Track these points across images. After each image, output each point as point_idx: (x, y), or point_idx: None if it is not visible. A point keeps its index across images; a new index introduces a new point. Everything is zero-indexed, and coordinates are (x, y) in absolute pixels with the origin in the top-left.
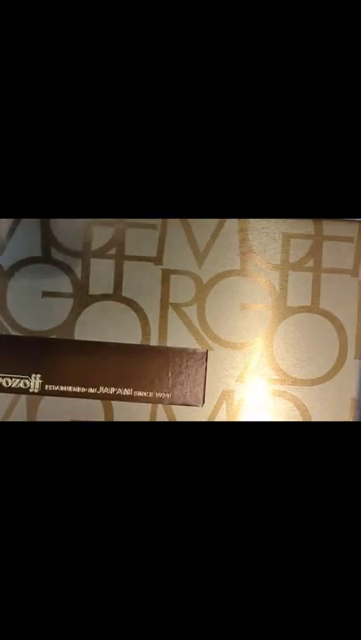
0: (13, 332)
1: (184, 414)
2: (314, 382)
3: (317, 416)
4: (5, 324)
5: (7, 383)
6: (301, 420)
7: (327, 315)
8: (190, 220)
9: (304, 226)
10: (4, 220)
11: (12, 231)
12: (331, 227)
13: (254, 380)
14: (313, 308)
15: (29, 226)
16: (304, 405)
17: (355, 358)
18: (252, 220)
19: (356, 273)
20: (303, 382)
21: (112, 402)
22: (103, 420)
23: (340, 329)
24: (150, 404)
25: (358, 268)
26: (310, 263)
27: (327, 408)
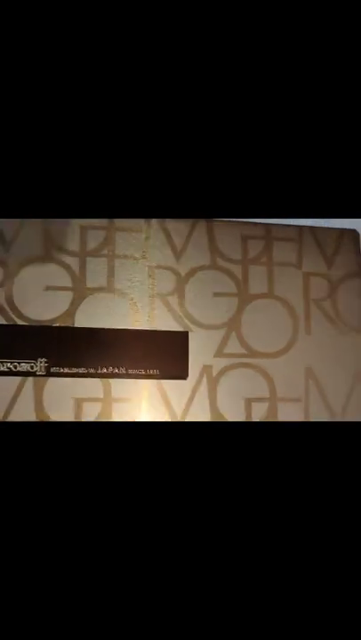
0: (20, 322)
1: (172, 386)
2: (275, 355)
3: (279, 382)
4: (12, 315)
5: (15, 367)
6: (266, 385)
7: (280, 299)
8: (168, 225)
9: (258, 229)
10: (9, 224)
11: (16, 233)
12: (278, 230)
13: (228, 355)
14: (269, 295)
15: (32, 228)
16: (268, 374)
17: (305, 334)
18: (216, 225)
19: (299, 266)
20: (267, 355)
21: (109, 379)
22: (102, 396)
23: (291, 310)
24: (143, 380)
25: (301, 262)
26: (264, 259)
27: (287, 375)
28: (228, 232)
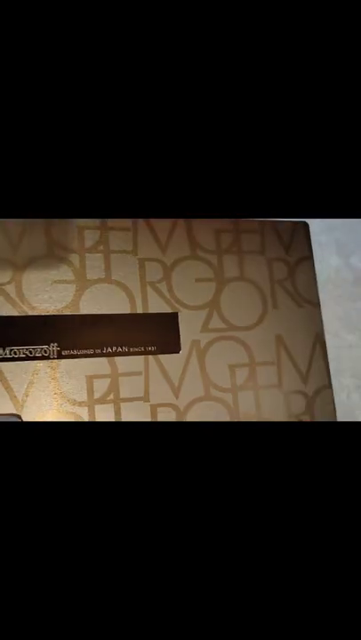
0: (31, 313)
1: (168, 359)
2: (250, 327)
3: (256, 349)
4: (24, 307)
5: (31, 353)
6: (245, 353)
7: (251, 281)
8: (153, 224)
9: (227, 223)
10: (14, 229)
11: (21, 236)
12: (244, 224)
13: (211, 330)
14: (241, 278)
15: (35, 231)
16: (246, 343)
17: (273, 308)
18: (193, 222)
19: (263, 253)
20: (244, 328)
21: (114, 358)
22: (109, 373)
23: (260, 290)
24: (143, 356)
25: (264, 249)
26: (235, 248)
27: (261, 343)
28: (204, 227)
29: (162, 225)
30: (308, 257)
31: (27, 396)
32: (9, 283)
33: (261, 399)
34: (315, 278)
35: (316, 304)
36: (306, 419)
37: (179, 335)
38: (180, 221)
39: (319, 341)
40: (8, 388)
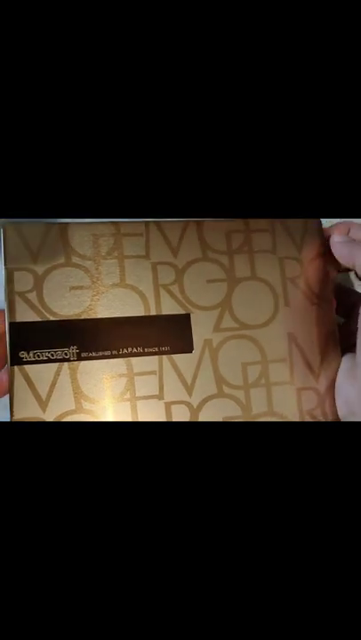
0: (51, 318)
1: (182, 359)
2: (262, 325)
3: (267, 347)
4: (45, 313)
5: (52, 355)
6: (258, 351)
7: (263, 280)
8: (164, 228)
9: (238, 224)
10: (33, 237)
11: (39, 247)
12: (254, 223)
13: (224, 329)
14: (253, 277)
15: (53, 240)
16: (258, 341)
17: (285, 306)
18: (205, 224)
19: (273, 251)
20: (256, 326)
21: (130, 358)
22: (125, 372)
23: (271, 288)
24: (157, 356)
25: (276, 248)
26: (246, 248)
27: (273, 341)
28: (214, 229)
29: (172, 228)
30: (321, 254)
31: (49, 396)
32: (31, 291)
33: (273, 395)
34: (328, 275)
35: (330, 301)
36: (318, 414)
37: (191, 335)
38: (191, 224)
39: (332, 338)
40: (33, 389)
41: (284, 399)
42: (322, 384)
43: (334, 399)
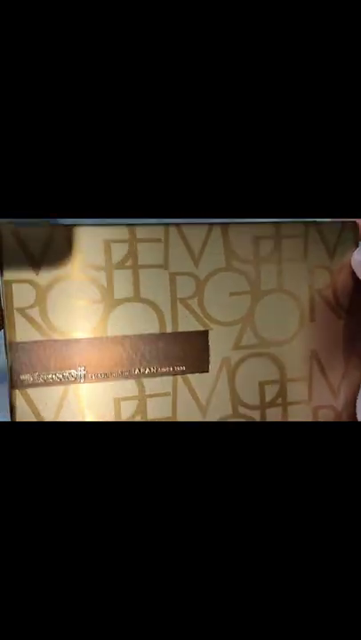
0: (55, 337)
1: (197, 379)
2: (285, 342)
3: (288, 365)
4: (49, 331)
5: (59, 378)
6: (277, 369)
7: (289, 292)
8: (185, 232)
9: (267, 228)
10: (35, 246)
11: (43, 254)
12: (286, 228)
13: (244, 347)
14: (278, 290)
15: (59, 248)
16: (279, 359)
17: (310, 321)
18: (230, 229)
19: (304, 260)
20: (277, 343)
21: (142, 379)
22: (137, 394)
23: (298, 301)
24: (171, 377)
25: (307, 256)
26: (275, 257)
27: (294, 359)
28: (241, 233)
29: (194, 234)
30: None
31: (56, 420)
32: (32, 307)
33: (289, 415)
34: (357, 285)
35: (356, 314)
36: None
37: (208, 354)
38: (216, 227)
39: (356, 354)
40: (37, 415)
41: (299, 419)
42: (340, 401)
43: (351, 416)
